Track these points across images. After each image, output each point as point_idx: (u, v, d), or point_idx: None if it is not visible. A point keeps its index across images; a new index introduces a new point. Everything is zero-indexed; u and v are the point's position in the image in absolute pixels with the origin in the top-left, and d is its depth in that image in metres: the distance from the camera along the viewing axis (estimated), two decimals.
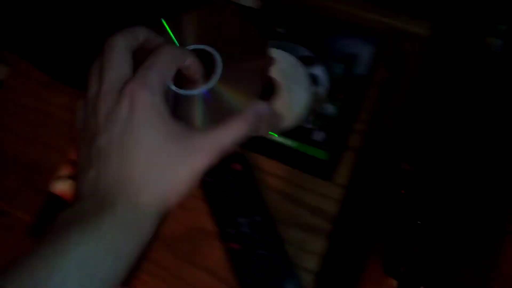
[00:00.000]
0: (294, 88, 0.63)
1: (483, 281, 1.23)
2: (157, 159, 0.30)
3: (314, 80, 0.64)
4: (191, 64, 0.35)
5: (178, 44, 0.38)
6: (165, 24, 0.38)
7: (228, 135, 0.33)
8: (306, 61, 0.64)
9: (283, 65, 0.63)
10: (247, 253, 0.60)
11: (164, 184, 0.31)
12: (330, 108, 0.64)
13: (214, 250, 0.61)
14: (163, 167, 0.30)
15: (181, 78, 0.36)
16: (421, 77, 0.70)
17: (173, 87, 0.35)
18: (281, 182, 0.64)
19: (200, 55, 0.37)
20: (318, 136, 0.63)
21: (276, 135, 0.64)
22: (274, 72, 0.63)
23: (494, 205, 1.25)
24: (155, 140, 0.30)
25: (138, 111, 0.29)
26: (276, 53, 0.64)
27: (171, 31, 0.38)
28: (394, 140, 1.16)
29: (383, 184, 1.25)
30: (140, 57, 0.32)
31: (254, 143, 0.65)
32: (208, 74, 0.37)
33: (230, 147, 0.33)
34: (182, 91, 0.36)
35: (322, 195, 0.63)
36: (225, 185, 0.62)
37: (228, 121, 0.33)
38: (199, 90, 0.36)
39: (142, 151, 0.30)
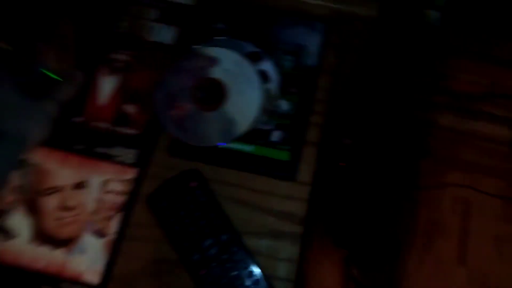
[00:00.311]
0: (244, 89, 0.57)
1: (405, 231, 1.32)
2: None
3: (264, 76, 0.58)
4: None
5: None
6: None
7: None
8: (253, 57, 0.58)
9: (228, 65, 0.56)
10: (217, 277, 0.54)
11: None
12: (284, 105, 0.59)
13: (181, 280, 0.55)
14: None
15: None
16: (368, 57, 0.68)
17: None
18: (244, 192, 0.58)
19: None
20: (276, 136, 0.58)
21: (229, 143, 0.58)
22: (219, 73, 0.57)
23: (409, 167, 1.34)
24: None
25: None
26: (217, 52, 0.57)
27: None
28: (336, 118, 1.16)
29: (326, 160, 1.26)
30: None
31: (208, 155, 0.58)
32: None
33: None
34: None
35: (288, 198, 0.59)
36: (183, 206, 0.55)
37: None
38: None
39: None
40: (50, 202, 0.57)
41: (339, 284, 1.28)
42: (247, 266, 0.54)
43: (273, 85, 0.58)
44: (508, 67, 0.91)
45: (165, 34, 0.62)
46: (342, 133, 1.22)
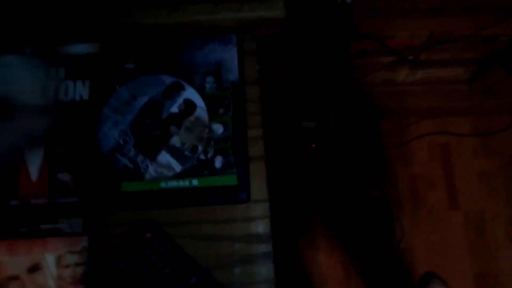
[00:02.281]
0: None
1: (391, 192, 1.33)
2: None
3: (190, 105, 0.56)
4: None
5: None
6: None
7: None
8: (175, 88, 0.55)
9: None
10: None
11: None
12: (217, 128, 0.57)
13: None
14: None
15: None
16: (290, 50, 0.66)
17: None
18: (202, 226, 0.57)
19: None
20: (218, 162, 0.56)
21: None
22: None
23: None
24: None
25: None
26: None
27: None
28: (292, 105, 1.15)
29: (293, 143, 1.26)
30: None
31: (155, 200, 0.56)
32: None
33: None
34: None
35: (248, 219, 0.57)
36: (143, 261, 0.53)
37: None
38: None
39: None
40: None
41: (341, 265, 1.28)
42: None
43: (201, 112, 0.56)
44: (441, 15, 0.90)
45: (78, 90, 0.59)
46: (303, 118, 1.21)
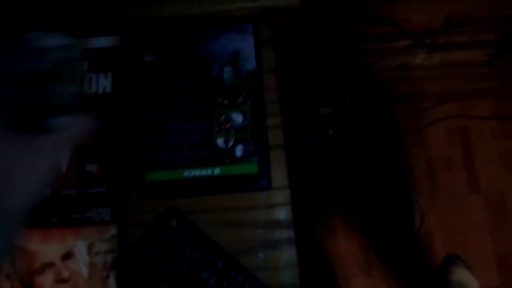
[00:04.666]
0: None
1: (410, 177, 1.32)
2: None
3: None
4: None
5: None
6: None
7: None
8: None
9: None
10: None
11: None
12: (237, 117, 0.58)
13: None
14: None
15: None
16: (306, 37, 0.66)
17: None
18: (226, 213, 0.58)
19: None
20: (239, 151, 0.58)
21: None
22: None
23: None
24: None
25: None
26: None
27: None
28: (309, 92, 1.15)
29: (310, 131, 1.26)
30: None
31: (180, 189, 0.58)
32: None
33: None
34: None
35: (270, 206, 0.59)
36: (170, 248, 0.56)
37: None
38: None
39: None
40: (46, 279, 0.58)
41: (360, 250, 1.29)
42: (250, 286, 0.55)
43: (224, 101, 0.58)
44: None
45: (101, 82, 0.61)
46: (320, 105, 1.21)
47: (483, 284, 1.10)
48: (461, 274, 1.04)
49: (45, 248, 0.58)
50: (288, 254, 0.58)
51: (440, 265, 1.12)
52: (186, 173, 0.58)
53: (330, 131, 1.32)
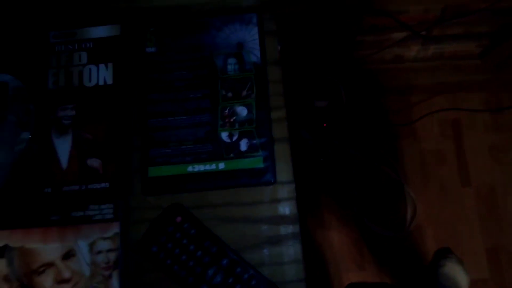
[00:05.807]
0: None
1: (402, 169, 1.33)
2: None
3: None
4: None
5: None
6: None
7: None
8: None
9: None
10: None
11: None
12: (242, 111, 0.57)
13: None
14: None
15: None
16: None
17: None
18: (230, 209, 0.57)
19: None
20: (244, 145, 0.57)
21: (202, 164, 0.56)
22: None
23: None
24: None
25: None
26: None
27: None
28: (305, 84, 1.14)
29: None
30: None
31: (183, 184, 0.56)
32: None
33: None
34: None
35: (275, 201, 0.58)
36: (175, 245, 0.54)
37: None
38: None
39: None
40: (46, 280, 0.56)
41: (353, 243, 1.29)
42: (256, 282, 0.54)
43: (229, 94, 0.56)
44: None
45: (101, 74, 0.59)
46: (315, 98, 1.20)
47: (473, 277, 1.12)
48: (452, 267, 1.05)
49: (45, 247, 0.56)
50: (293, 250, 0.57)
51: (432, 258, 1.13)
52: (190, 168, 0.56)
53: (325, 124, 1.32)
